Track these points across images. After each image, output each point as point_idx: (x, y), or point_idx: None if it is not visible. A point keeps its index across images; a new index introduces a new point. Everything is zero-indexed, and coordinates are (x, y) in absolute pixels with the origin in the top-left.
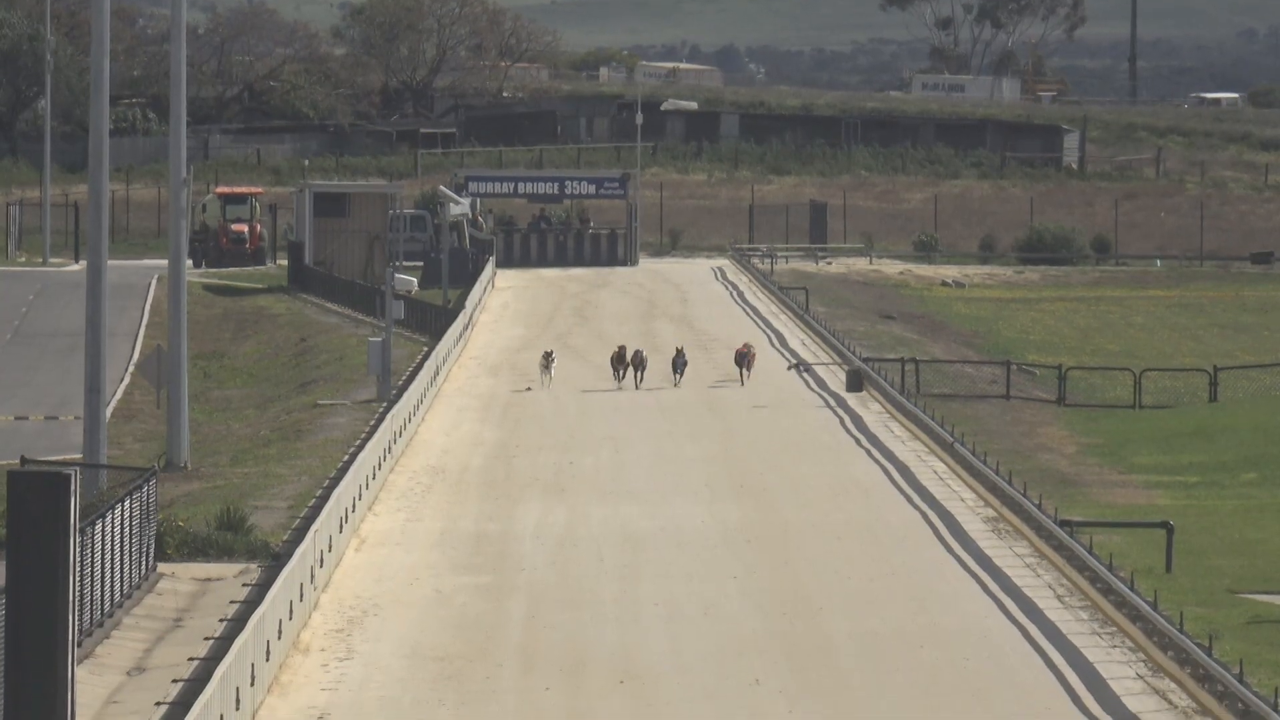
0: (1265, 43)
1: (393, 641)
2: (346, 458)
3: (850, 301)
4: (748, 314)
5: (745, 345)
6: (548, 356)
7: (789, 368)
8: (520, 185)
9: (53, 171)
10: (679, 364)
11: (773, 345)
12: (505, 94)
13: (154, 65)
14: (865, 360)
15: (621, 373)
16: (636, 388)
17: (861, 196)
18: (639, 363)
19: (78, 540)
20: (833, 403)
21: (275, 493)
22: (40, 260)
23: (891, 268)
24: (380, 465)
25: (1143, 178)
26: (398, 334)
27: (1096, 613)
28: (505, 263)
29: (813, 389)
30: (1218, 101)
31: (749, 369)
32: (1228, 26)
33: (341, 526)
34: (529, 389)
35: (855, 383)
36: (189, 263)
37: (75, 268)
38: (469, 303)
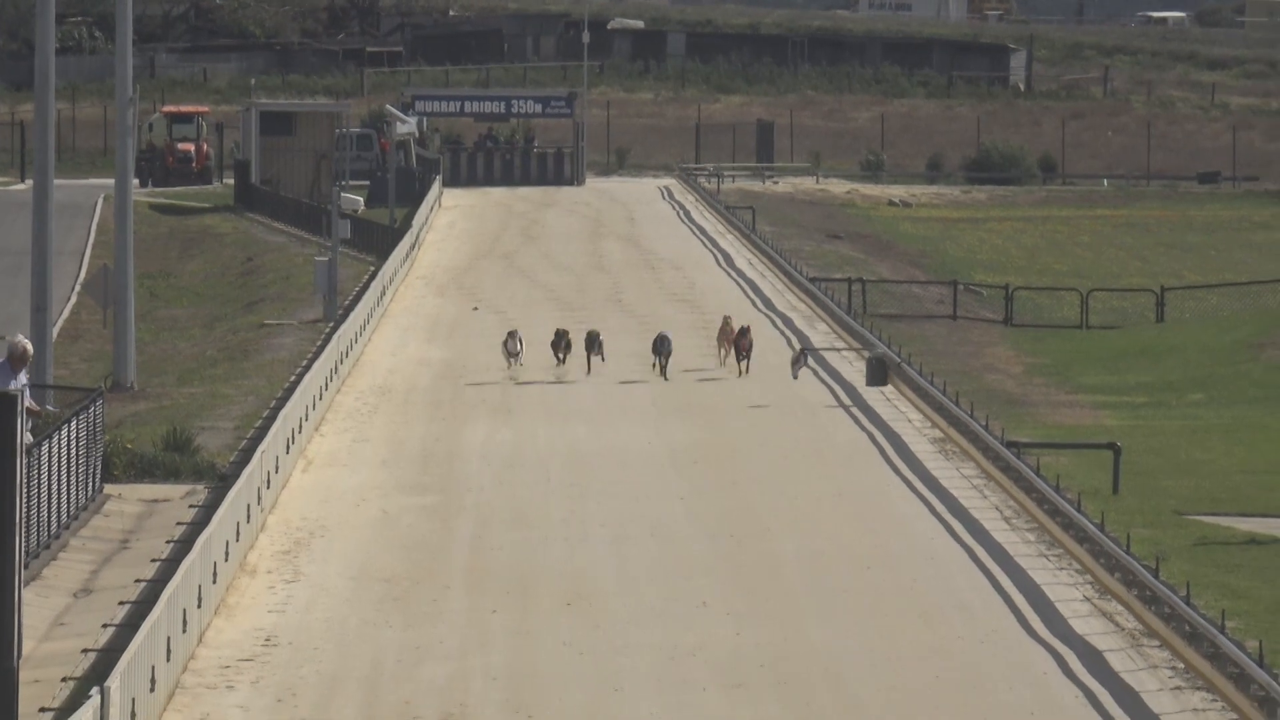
0: None
1: (339, 563)
2: (293, 378)
3: (797, 221)
4: (694, 233)
5: (742, 327)
6: (513, 338)
7: (794, 360)
8: (467, 104)
9: None
10: (662, 349)
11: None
12: (452, 12)
13: None
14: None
15: (562, 355)
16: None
17: (808, 116)
18: (590, 341)
19: (24, 461)
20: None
21: (222, 413)
22: None
23: (838, 187)
24: (327, 386)
25: (1090, 97)
26: (344, 253)
27: (1043, 534)
28: (452, 182)
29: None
30: (1164, 20)
31: (748, 356)
32: None
33: (288, 447)
34: (476, 308)
35: (878, 375)
36: (135, 182)
37: (21, 187)
38: (415, 222)
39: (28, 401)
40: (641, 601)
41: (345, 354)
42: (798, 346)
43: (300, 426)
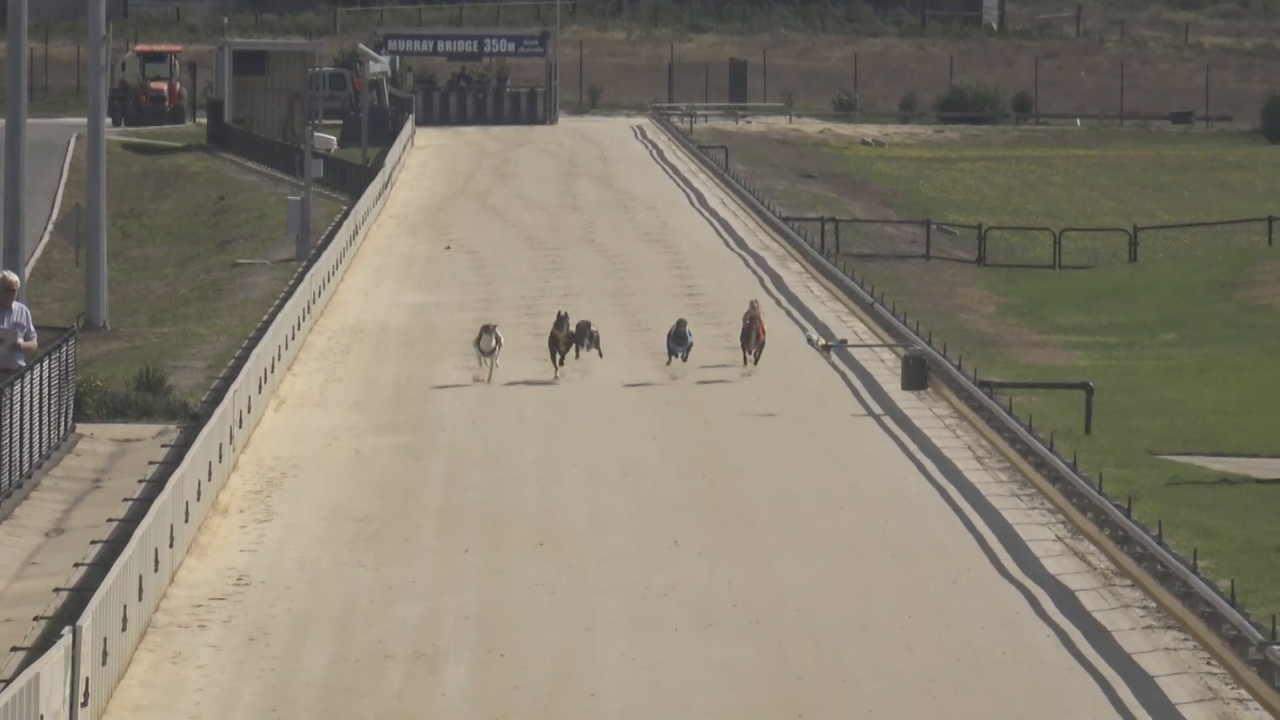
0: None
1: (312, 503)
2: (265, 317)
3: (770, 160)
4: (667, 173)
5: (749, 309)
6: (489, 333)
7: (823, 346)
8: (440, 43)
9: None
10: (677, 343)
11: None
12: None
13: None
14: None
15: (561, 357)
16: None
17: (781, 55)
18: (583, 337)
19: None
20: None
21: (194, 353)
22: None
23: (811, 126)
24: (299, 325)
25: (1063, 37)
26: (317, 193)
27: (1016, 474)
28: (424, 121)
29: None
30: None
31: (757, 346)
32: None
33: (260, 387)
34: (449, 247)
35: (916, 377)
36: (108, 121)
37: None
38: (388, 162)
39: (20, 338)
40: (614, 541)
41: (318, 293)
42: (818, 339)
43: (273, 366)
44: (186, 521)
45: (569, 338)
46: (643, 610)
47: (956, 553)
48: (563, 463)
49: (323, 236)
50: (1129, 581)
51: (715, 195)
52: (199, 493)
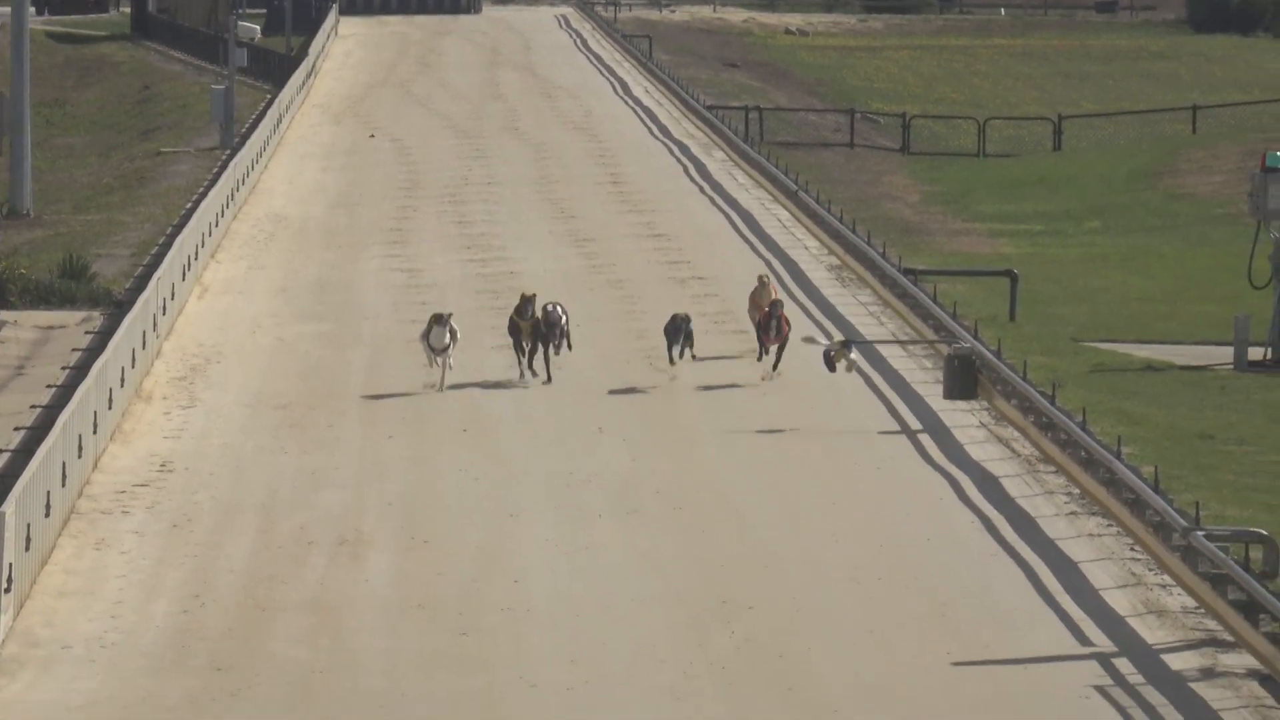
0: None
1: (235, 390)
2: (189, 205)
3: (694, 49)
4: (591, 62)
5: (774, 302)
6: (441, 325)
7: (833, 354)
8: None
9: None
10: (677, 334)
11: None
12: None
13: None
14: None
15: (529, 354)
16: (548, 377)
17: None
18: (549, 329)
19: None
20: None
21: (118, 240)
22: None
23: (735, 15)
24: (223, 213)
25: None
26: (240, 81)
27: (940, 361)
28: (348, 10)
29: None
30: None
31: (778, 345)
32: None
33: (184, 274)
34: (373, 135)
35: (963, 383)
36: (31, 10)
37: None
38: (312, 51)
39: None
40: (537, 429)
41: (241, 182)
42: (837, 339)
43: (196, 254)
44: (110, 408)
45: (533, 327)
46: (566, 497)
47: (880, 439)
48: (485, 348)
49: (246, 125)
50: (1053, 468)
51: (639, 84)
52: (123, 379)
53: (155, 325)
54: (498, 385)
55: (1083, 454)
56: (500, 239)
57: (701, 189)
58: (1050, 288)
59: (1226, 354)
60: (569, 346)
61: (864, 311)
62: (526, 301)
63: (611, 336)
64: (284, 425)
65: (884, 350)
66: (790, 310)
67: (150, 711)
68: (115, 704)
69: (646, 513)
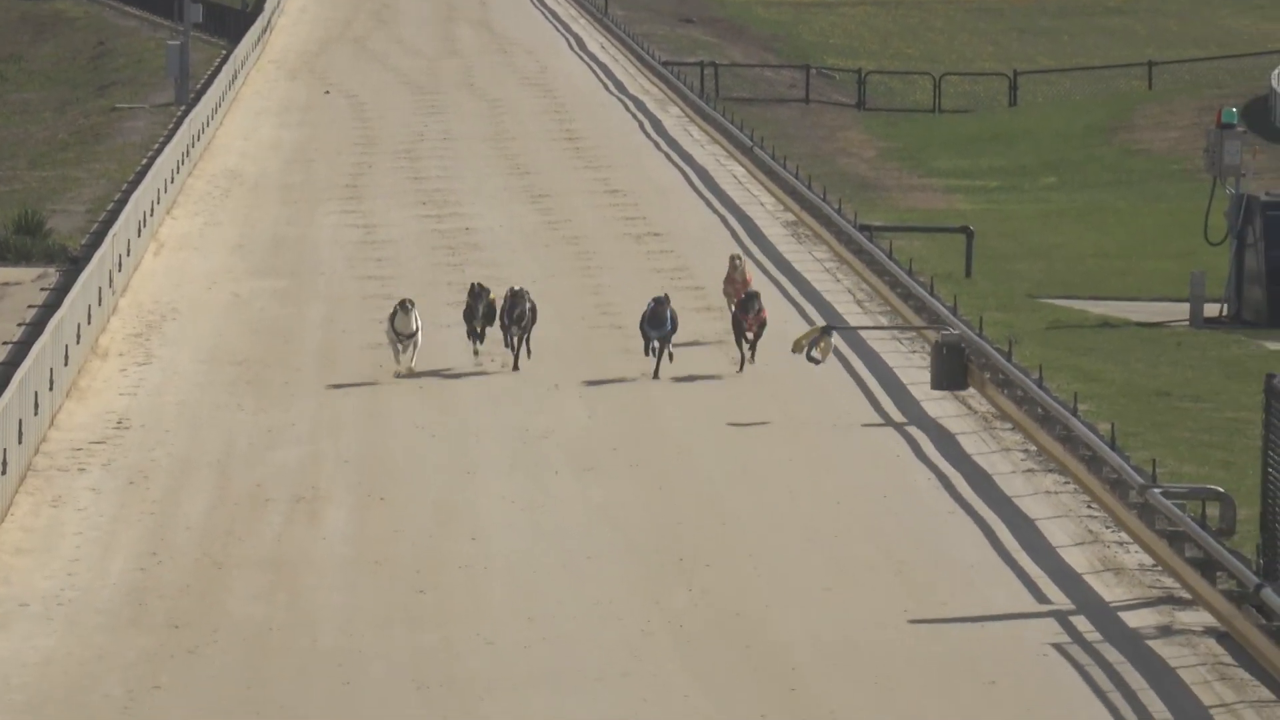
0: None
1: (191, 346)
2: (145, 161)
3: (649, 5)
4: (546, 18)
5: (750, 294)
6: (406, 312)
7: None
8: None
9: None
10: (658, 326)
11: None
12: None
13: None
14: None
15: (480, 335)
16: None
17: None
18: (515, 317)
19: None
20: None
21: (74, 196)
22: None
23: None
24: (178, 170)
25: None
26: (196, 37)
27: (896, 318)
28: None
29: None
30: None
31: (754, 336)
32: None
33: (140, 230)
34: (328, 92)
35: (952, 373)
36: None
37: None
38: (267, 6)
39: None
40: (493, 384)
41: (197, 138)
42: (818, 325)
43: (152, 210)
44: (66, 365)
45: (489, 309)
46: (523, 453)
47: (837, 396)
48: (439, 303)
49: (202, 81)
50: (1009, 425)
51: (595, 40)
52: (78, 336)
53: (111, 282)
54: (455, 343)
55: (1039, 411)
56: (456, 195)
57: (657, 145)
58: (1006, 244)
59: (1183, 310)
60: (528, 350)
61: (820, 268)
62: (478, 293)
63: (567, 293)
64: (240, 382)
65: (840, 309)
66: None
67: (107, 669)
68: (72, 661)
69: (603, 470)
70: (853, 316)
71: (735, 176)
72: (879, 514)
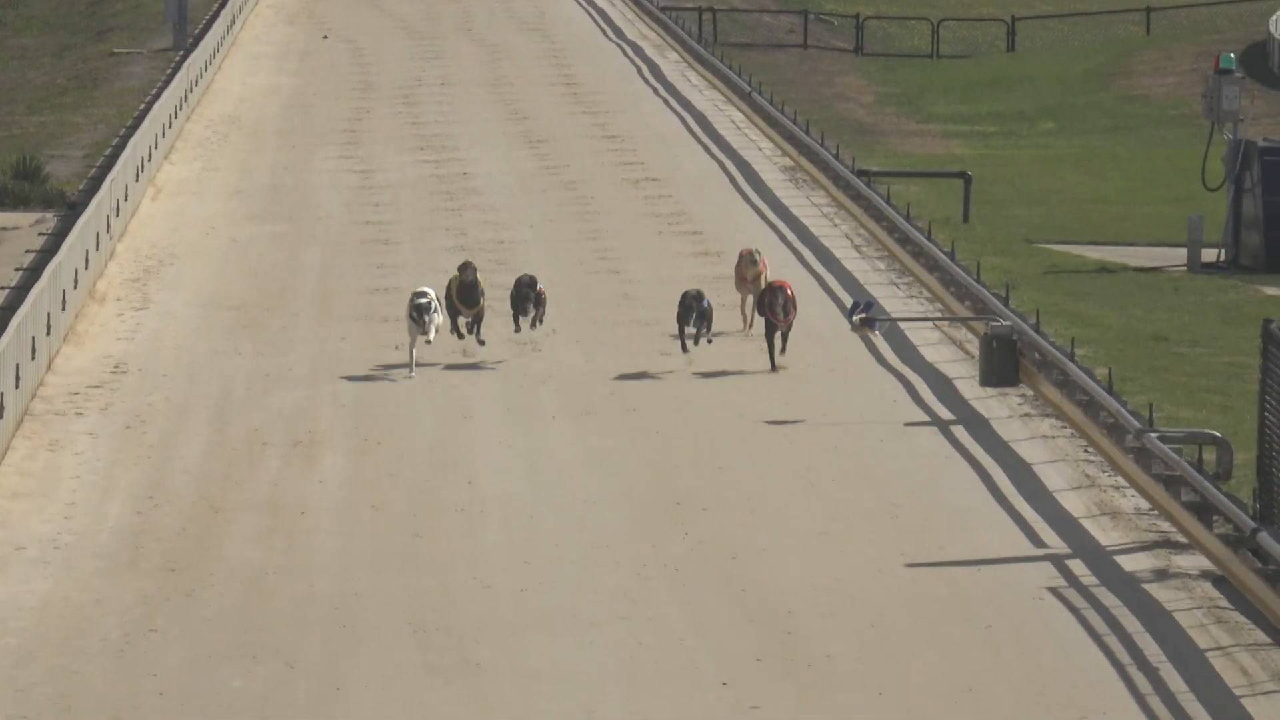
0: None
1: (189, 291)
2: (143, 106)
3: None
4: None
5: (772, 286)
6: (421, 311)
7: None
8: None
9: None
10: (688, 315)
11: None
12: None
13: None
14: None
15: (466, 325)
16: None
17: None
18: (527, 301)
19: None
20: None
21: (71, 142)
22: None
23: None
24: (176, 114)
25: None
26: None
27: (894, 262)
28: None
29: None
30: None
31: (784, 327)
32: None
33: (138, 176)
34: (326, 36)
35: (1002, 368)
36: None
37: None
38: None
39: None
40: (490, 329)
41: (195, 82)
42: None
43: (150, 155)
44: (64, 310)
45: (465, 289)
46: (519, 398)
47: (834, 341)
48: (438, 250)
49: (200, 25)
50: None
51: None
52: (76, 281)
53: (109, 227)
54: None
55: (1036, 355)
56: (454, 140)
57: (655, 91)
58: (1004, 189)
59: (1180, 255)
60: (541, 320)
61: (818, 213)
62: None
63: (565, 238)
64: (238, 326)
65: (838, 254)
66: (743, 214)
67: (104, 612)
68: (69, 605)
69: (600, 414)
70: (850, 261)
71: (733, 122)
72: (875, 459)
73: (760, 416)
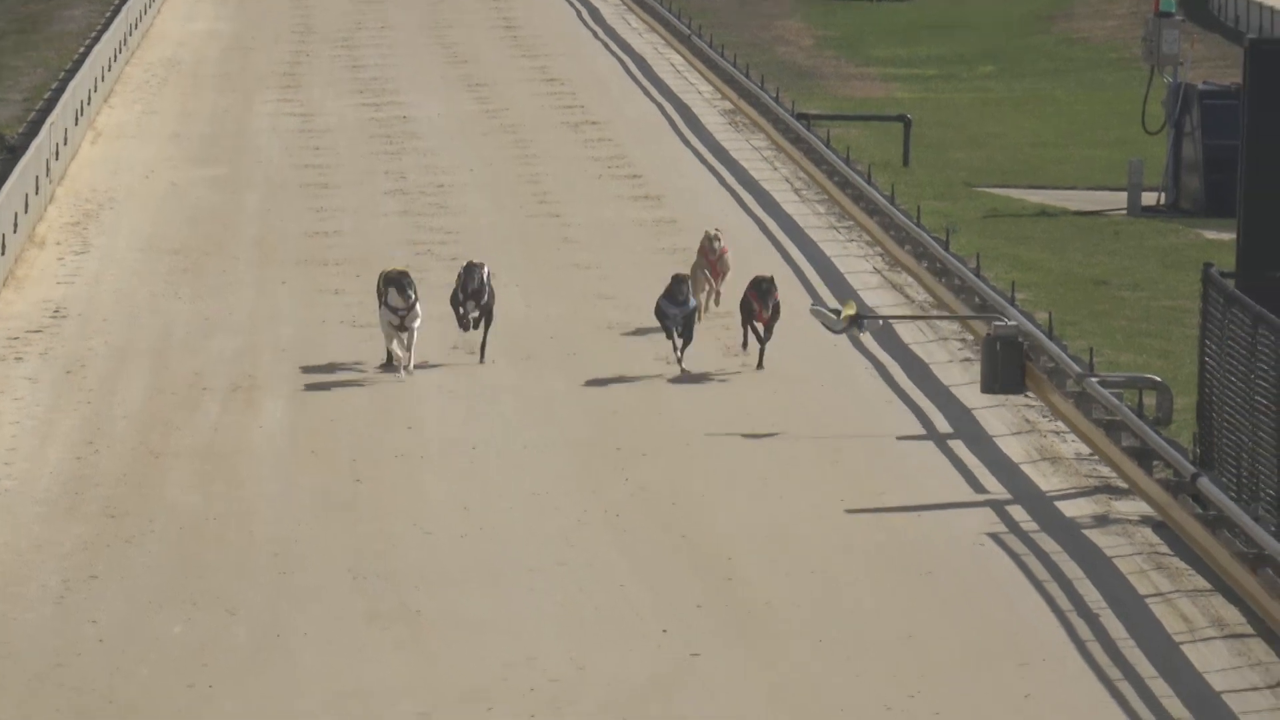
0: None
1: (129, 235)
2: (82, 50)
3: None
4: None
5: (758, 280)
6: (401, 291)
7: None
8: None
9: None
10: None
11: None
12: None
13: None
14: None
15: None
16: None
17: None
18: (471, 293)
19: None
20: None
21: (10, 85)
22: None
23: None
24: (115, 58)
25: None
26: None
27: (834, 206)
28: None
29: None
30: None
31: (766, 334)
32: None
33: (77, 119)
34: None
35: (1006, 373)
36: None
37: None
38: None
39: None
40: (430, 273)
41: (134, 26)
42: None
43: (89, 98)
44: (3, 254)
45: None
46: (459, 342)
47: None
48: (375, 192)
49: None
50: (947, 314)
51: None
52: (15, 225)
53: (48, 170)
54: (393, 236)
55: (976, 300)
56: (394, 84)
57: (595, 34)
58: (944, 132)
59: (1120, 199)
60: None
61: (758, 156)
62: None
63: (505, 182)
64: (177, 270)
65: (778, 197)
66: (684, 158)
67: (44, 558)
68: (9, 550)
69: (540, 358)
70: (790, 205)
71: (673, 65)
72: (816, 403)
73: (701, 361)
